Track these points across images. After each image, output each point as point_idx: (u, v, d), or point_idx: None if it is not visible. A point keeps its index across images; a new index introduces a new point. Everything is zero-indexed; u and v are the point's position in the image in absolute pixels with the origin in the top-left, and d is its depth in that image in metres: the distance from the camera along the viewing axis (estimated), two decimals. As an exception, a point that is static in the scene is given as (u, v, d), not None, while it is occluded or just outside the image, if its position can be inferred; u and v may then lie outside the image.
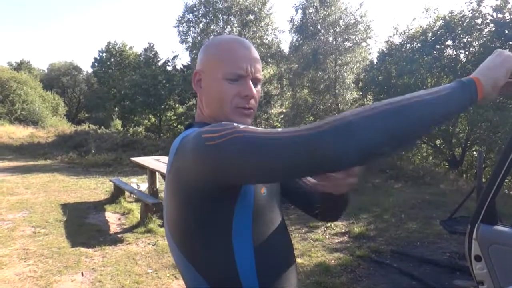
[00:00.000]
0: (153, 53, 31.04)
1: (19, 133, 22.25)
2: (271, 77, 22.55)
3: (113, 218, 6.96)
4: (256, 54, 1.16)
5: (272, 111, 22.89)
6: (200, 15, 22.78)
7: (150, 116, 28.10)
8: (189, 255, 1.06)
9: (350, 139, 0.82)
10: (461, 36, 12.95)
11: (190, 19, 23.09)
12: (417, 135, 0.93)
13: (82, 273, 4.57)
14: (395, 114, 0.85)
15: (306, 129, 0.85)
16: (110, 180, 8.75)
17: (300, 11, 21.13)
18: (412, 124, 0.86)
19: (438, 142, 14.04)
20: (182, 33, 23.36)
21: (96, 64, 37.06)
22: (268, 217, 1.12)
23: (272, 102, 22.60)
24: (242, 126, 0.92)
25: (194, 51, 23.11)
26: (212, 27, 22.66)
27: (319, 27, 20.47)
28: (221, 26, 22.64)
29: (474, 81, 0.95)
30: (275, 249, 1.11)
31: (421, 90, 0.92)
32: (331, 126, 0.83)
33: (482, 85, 0.94)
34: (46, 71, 51.43)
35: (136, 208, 7.38)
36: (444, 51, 13.50)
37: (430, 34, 13.52)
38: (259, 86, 1.17)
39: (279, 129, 0.88)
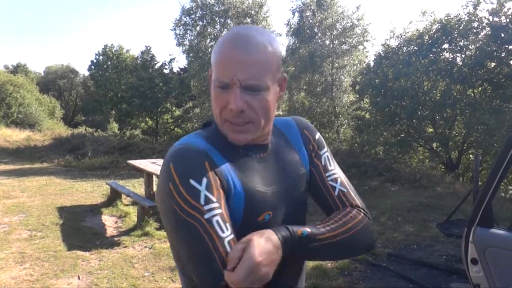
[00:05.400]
0: (150, 56, 30.97)
1: (15, 136, 22.17)
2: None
3: (109, 221, 6.95)
4: (251, 55, 0.95)
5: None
6: (197, 18, 22.79)
7: (147, 119, 28.04)
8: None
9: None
10: (458, 39, 12.98)
11: (187, 22, 23.10)
12: None
13: (78, 276, 4.55)
14: None
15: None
16: (107, 183, 8.73)
17: (297, 14, 21.21)
18: None
19: (434, 145, 14.05)
20: (179, 36, 23.38)
21: (92, 67, 36.97)
22: None
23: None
24: (206, 216, 0.89)
25: (191, 54, 23.13)
26: (209, 30, 22.68)
27: (316, 30, 20.53)
28: (218, 29, 22.66)
29: None
30: None
31: None
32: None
33: None
34: (42, 74, 51.38)
35: (133, 211, 7.36)
36: (441, 54, 13.53)
37: (426, 37, 13.55)
38: (263, 94, 0.97)
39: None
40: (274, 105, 1.04)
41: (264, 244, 0.86)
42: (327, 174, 1.15)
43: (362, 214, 1.08)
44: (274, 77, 1.00)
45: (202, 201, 0.90)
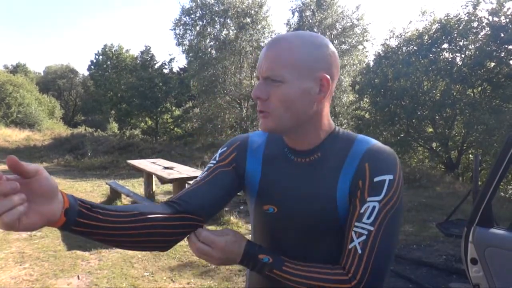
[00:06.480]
0: (149, 56, 31.00)
1: (15, 136, 22.16)
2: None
3: (109, 221, 6.93)
4: (272, 49, 1.05)
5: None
6: (196, 18, 22.79)
7: (147, 118, 28.09)
8: None
9: None
10: (457, 39, 13.00)
11: (187, 22, 23.11)
12: None
13: (78, 276, 4.55)
14: None
15: None
16: (107, 183, 8.72)
17: (296, 14, 21.25)
18: None
19: (434, 145, 14.07)
20: (178, 36, 23.38)
21: (92, 67, 37.00)
22: (273, 234, 1.16)
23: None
24: (208, 165, 1.24)
25: (191, 54, 23.12)
26: (208, 30, 22.68)
27: (315, 30, 20.54)
28: (218, 28, 22.66)
29: None
30: None
31: None
32: None
33: None
34: (42, 74, 51.33)
35: (132, 211, 7.33)
36: (440, 54, 13.55)
37: (426, 37, 13.57)
38: (281, 87, 1.03)
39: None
40: (303, 102, 1.05)
41: (229, 247, 1.04)
42: (356, 224, 1.00)
43: (346, 285, 0.97)
44: (302, 73, 1.03)
45: (212, 158, 1.24)
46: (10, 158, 0.76)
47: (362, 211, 1.00)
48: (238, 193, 1.25)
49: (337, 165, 1.08)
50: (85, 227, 0.90)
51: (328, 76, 1.04)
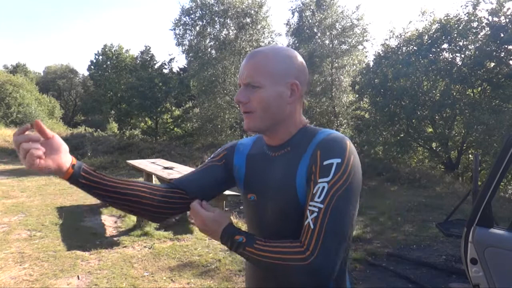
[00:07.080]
0: (149, 56, 30.97)
1: (15, 136, 22.11)
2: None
3: (109, 221, 6.94)
4: (250, 60, 1.25)
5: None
6: (196, 18, 22.76)
7: (147, 119, 28.05)
8: None
9: None
10: (457, 39, 12.99)
11: (187, 22, 23.08)
12: None
13: (78, 276, 4.55)
14: None
15: None
16: (106, 183, 8.70)
17: (296, 14, 21.18)
18: None
19: (434, 145, 14.06)
20: (178, 36, 23.35)
21: (92, 67, 36.89)
22: (255, 218, 1.37)
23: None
24: (205, 161, 1.49)
25: (191, 54, 23.10)
26: (208, 30, 22.66)
27: (315, 30, 20.51)
28: (218, 29, 22.64)
29: None
30: None
31: None
32: None
33: None
34: (42, 74, 51.38)
35: (132, 211, 7.33)
36: (440, 54, 13.54)
37: (426, 37, 13.56)
38: (259, 91, 1.23)
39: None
40: (278, 104, 1.24)
41: (211, 223, 1.22)
42: (310, 203, 1.13)
43: (301, 255, 1.08)
44: (276, 80, 1.23)
45: (210, 157, 1.49)
46: (37, 122, 1.11)
47: (314, 191, 1.14)
48: (237, 193, 1.35)
49: (299, 156, 1.25)
50: (88, 181, 1.19)
51: (298, 82, 1.25)
